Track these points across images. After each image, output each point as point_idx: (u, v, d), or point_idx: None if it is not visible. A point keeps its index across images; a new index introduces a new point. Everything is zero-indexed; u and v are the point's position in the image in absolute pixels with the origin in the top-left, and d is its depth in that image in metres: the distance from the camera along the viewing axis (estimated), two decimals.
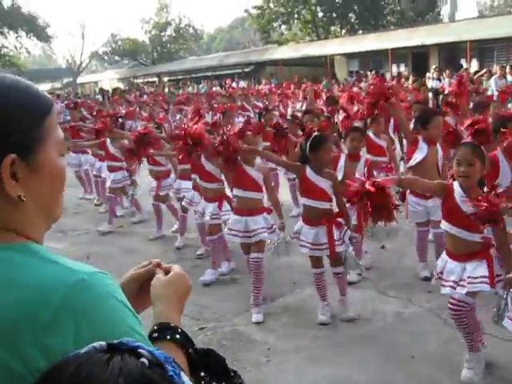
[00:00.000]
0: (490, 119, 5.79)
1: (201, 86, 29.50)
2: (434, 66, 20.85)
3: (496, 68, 17.44)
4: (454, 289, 3.66)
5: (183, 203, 7.02)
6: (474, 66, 23.20)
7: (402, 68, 27.06)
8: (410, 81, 19.15)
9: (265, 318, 5.02)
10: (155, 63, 48.15)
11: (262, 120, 7.98)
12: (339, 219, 4.79)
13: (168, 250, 7.22)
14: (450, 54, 25.29)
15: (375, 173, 6.86)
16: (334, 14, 39.07)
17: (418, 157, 5.42)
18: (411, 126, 6.20)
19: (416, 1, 37.52)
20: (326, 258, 4.90)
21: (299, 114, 8.76)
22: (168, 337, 1.16)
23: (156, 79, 40.57)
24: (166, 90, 30.37)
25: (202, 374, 1.14)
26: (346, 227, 4.80)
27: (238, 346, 4.48)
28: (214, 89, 26.11)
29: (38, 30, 43.30)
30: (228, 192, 6.03)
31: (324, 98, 12.70)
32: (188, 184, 6.92)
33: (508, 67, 16.38)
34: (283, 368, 4.21)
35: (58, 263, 1.05)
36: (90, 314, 0.99)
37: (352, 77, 26.49)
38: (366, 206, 3.76)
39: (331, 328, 4.79)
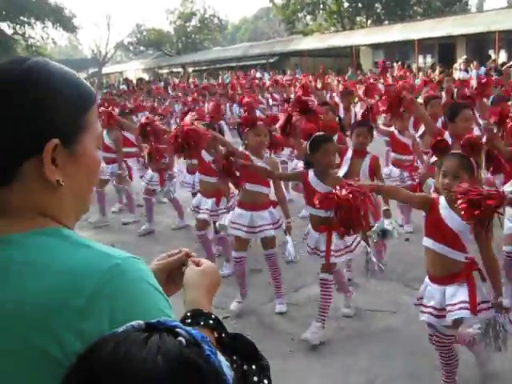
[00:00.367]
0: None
1: (225, 76, 29.51)
2: (463, 57, 20.54)
3: None
4: (433, 316, 3.40)
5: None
6: (503, 57, 22.87)
7: (429, 59, 26.75)
8: (437, 72, 18.93)
9: (288, 308, 5.03)
10: (180, 53, 48.32)
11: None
12: None
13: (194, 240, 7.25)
14: (478, 44, 24.94)
15: (398, 171, 6.79)
16: (360, 5, 38.78)
17: None
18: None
19: None
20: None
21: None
22: (202, 322, 1.18)
23: (181, 69, 40.68)
24: (191, 80, 30.40)
25: (234, 357, 1.15)
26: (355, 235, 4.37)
27: (262, 335, 4.52)
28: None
29: (64, 21, 43.65)
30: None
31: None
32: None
33: None
34: (306, 358, 4.23)
35: (90, 247, 1.05)
36: (125, 299, 1.00)
37: (377, 68, 26.27)
38: (338, 213, 3.60)
39: (355, 319, 4.79)
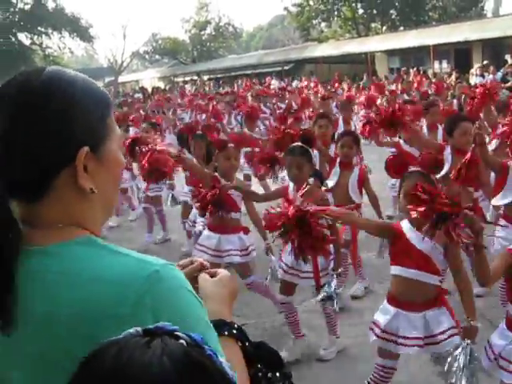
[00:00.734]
0: None
1: (239, 83, 29.61)
2: (484, 63, 20.39)
3: None
4: (422, 347, 3.20)
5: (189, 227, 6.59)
6: None
7: (445, 64, 26.62)
8: (453, 77, 18.84)
9: (305, 315, 5.02)
10: (195, 62, 48.59)
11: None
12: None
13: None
14: (494, 49, 24.76)
15: None
16: (375, 11, 38.71)
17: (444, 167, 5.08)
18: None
19: None
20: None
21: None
22: (226, 332, 1.20)
23: (196, 77, 40.94)
24: (207, 88, 30.49)
25: (259, 365, 1.16)
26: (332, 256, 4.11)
27: (279, 342, 4.49)
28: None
29: (81, 31, 44.11)
30: None
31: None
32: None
33: None
34: (323, 365, 4.23)
35: (128, 255, 1.06)
36: (166, 306, 1.01)
37: (392, 74, 26.20)
38: (288, 235, 3.44)
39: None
